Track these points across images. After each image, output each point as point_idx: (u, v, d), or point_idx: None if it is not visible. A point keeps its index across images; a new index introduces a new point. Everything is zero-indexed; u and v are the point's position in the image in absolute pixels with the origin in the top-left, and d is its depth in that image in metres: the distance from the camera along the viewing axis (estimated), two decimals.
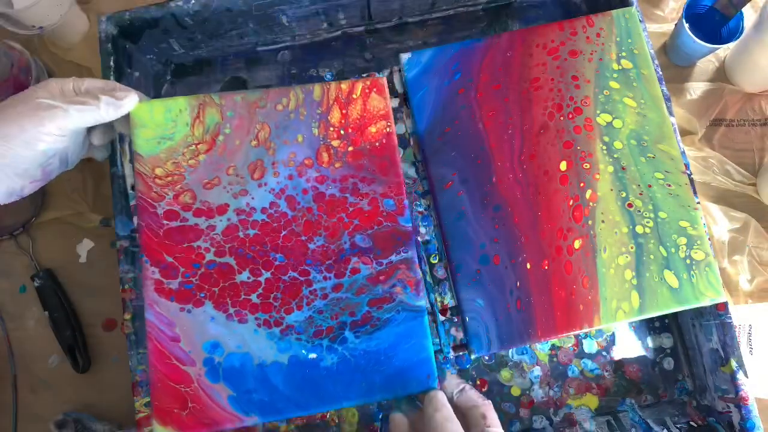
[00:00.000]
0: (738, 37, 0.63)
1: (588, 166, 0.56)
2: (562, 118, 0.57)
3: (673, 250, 0.54)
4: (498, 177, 0.56)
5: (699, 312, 0.57)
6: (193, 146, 0.47)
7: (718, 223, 0.64)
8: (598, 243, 0.54)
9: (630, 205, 0.55)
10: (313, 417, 0.57)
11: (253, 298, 0.46)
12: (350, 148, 0.50)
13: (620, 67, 0.58)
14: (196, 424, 0.42)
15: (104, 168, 0.62)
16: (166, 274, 0.45)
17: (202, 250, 0.46)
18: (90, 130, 0.47)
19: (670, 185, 0.55)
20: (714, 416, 0.54)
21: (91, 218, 0.62)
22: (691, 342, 0.59)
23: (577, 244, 0.54)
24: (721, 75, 0.68)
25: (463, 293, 0.52)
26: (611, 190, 0.55)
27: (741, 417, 0.51)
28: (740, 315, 0.58)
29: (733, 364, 0.52)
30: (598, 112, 0.57)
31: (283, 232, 0.47)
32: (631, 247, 0.54)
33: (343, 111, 0.51)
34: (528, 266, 0.53)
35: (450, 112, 0.57)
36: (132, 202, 0.48)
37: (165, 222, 0.46)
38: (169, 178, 0.47)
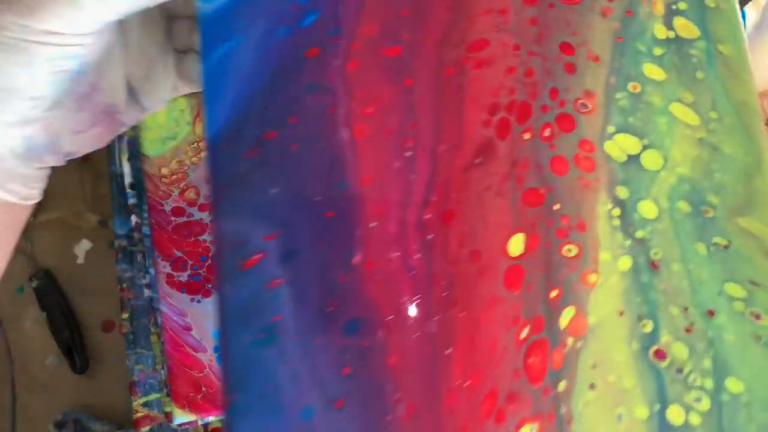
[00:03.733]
0: None
1: (573, 252, 0.24)
2: (527, 135, 0.25)
3: None
4: (366, 254, 0.24)
5: None
6: (196, 144, 0.49)
7: None
8: None
9: (661, 355, 0.24)
10: None
11: None
12: None
13: (671, 34, 0.26)
14: (209, 406, 0.45)
15: (102, 167, 0.61)
16: (177, 268, 0.47)
17: (208, 243, 0.46)
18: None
19: (758, 316, 0.24)
20: None
21: (89, 218, 0.62)
22: None
23: None
24: None
25: None
26: (620, 313, 0.24)
27: None
28: None
29: None
30: (610, 129, 0.25)
31: None
32: None
33: None
34: None
35: (282, 97, 0.26)
36: (130, 201, 0.50)
37: (173, 218, 0.48)
38: (175, 177, 0.49)
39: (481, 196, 0.25)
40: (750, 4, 0.62)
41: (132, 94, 0.33)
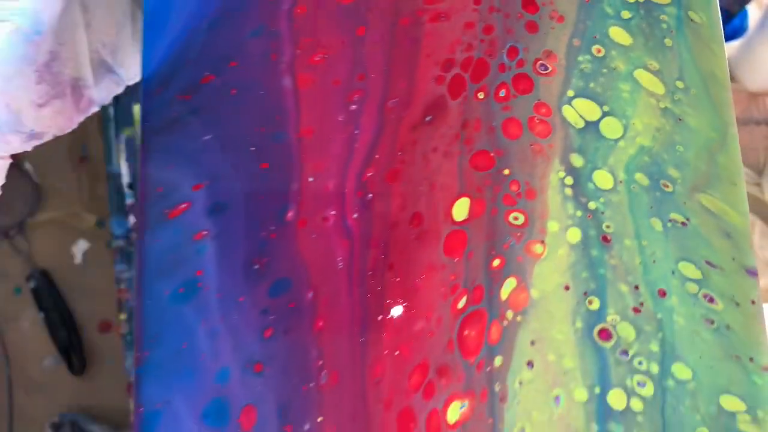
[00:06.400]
0: (742, 35, 0.62)
1: (520, 220, 0.23)
2: (481, 95, 0.24)
3: None
4: (301, 211, 0.23)
5: None
6: None
7: None
8: (508, 417, 0.21)
9: (606, 335, 0.22)
10: None
11: None
12: None
13: None
14: None
15: (100, 167, 0.61)
16: None
17: None
18: None
19: (712, 299, 0.22)
20: None
21: (87, 219, 0.61)
22: None
23: (455, 410, 0.21)
24: None
25: None
26: (565, 288, 0.22)
27: None
28: None
29: None
30: (569, 93, 0.24)
31: None
32: None
33: None
34: None
35: (223, 39, 0.24)
36: (128, 201, 0.50)
37: None
38: None
39: (427, 156, 0.23)
40: (752, 2, 0.62)
41: (103, 65, 0.31)
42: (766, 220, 0.65)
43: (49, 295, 0.60)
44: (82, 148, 0.67)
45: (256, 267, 0.23)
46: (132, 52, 0.31)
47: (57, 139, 0.33)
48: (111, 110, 0.57)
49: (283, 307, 0.22)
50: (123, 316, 0.54)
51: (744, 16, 0.63)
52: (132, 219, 0.51)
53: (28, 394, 0.60)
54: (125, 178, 0.52)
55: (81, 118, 0.31)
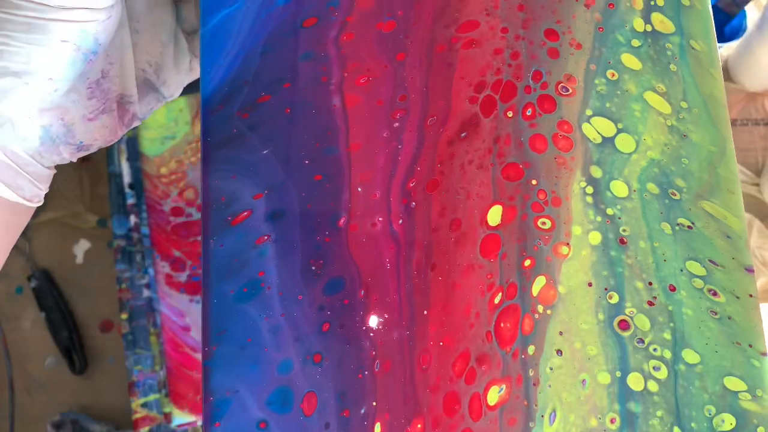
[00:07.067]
0: (741, 36, 0.62)
1: (547, 225, 0.25)
2: (510, 113, 0.26)
3: None
4: (351, 217, 0.25)
5: None
6: (194, 144, 0.50)
7: None
8: (541, 399, 0.24)
9: (624, 325, 0.25)
10: None
11: None
12: None
13: (648, 28, 0.27)
14: None
15: (101, 167, 0.61)
16: (176, 268, 0.49)
17: None
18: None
19: (715, 293, 0.25)
20: None
21: (88, 218, 0.61)
22: None
23: (494, 394, 0.24)
24: (724, 74, 0.72)
25: None
26: (588, 285, 0.25)
27: None
28: None
29: None
30: (588, 112, 0.27)
31: None
32: (612, 420, 0.24)
33: None
34: None
35: (277, 63, 0.26)
36: (129, 201, 0.52)
37: (172, 218, 0.49)
38: (174, 176, 0.50)
39: (463, 168, 0.26)
40: (751, 3, 0.63)
41: (147, 83, 0.33)
42: (765, 220, 0.65)
43: (50, 295, 0.60)
44: None
45: (313, 268, 0.25)
46: (173, 71, 0.34)
47: None
48: None
49: (338, 304, 0.25)
50: (124, 316, 0.54)
51: (742, 16, 0.63)
52: (133, 219, 0.52)
53: (29, 393, 0.60)
54: (126, 178, 0.53)
55: (124, 131, 0.33)
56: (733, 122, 0.68)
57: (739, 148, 0.66)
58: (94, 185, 0.64)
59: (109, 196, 0.58)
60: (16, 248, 0.63)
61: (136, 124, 0.34)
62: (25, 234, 0.63)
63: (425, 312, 0.25)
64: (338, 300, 0.25)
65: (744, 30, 0.63)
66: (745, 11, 0.63)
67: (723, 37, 0.65)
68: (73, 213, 0.63)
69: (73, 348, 0.59)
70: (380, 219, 0.25)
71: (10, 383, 0.59)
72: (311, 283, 0.25)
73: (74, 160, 0.31)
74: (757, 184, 0.66)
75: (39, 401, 0.60)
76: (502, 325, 0.25)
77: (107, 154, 0.60)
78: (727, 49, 0.69)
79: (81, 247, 0.63)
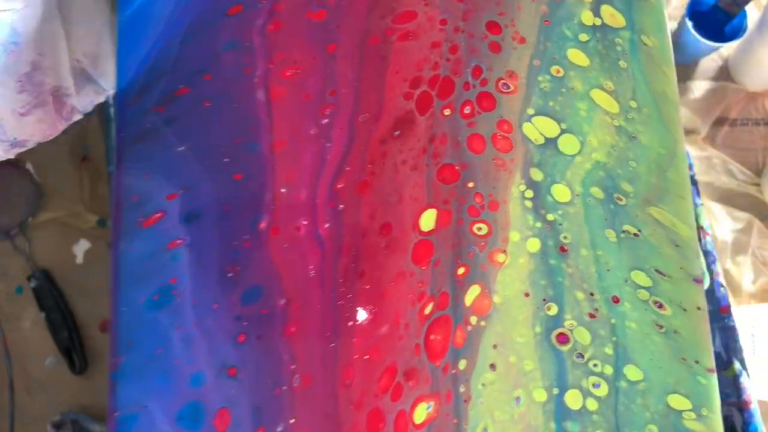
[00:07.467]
0: (741, 36, 0.62)
1: (484, 230, 0.24)
2: (447, 111, 0.25)
3: None
4: (273, 220, 0.23)
5: None
6: None
7: (721, 223, 0.63)
8: (472, 417, 0.22)
9: (563, 339, 0.23)
10: None
11: None
12: None
13: (598, 22, 0.26)
14: None
15: (101, 167, 0.61)
16: None
17: None
18: None
19: (661, 305, 0.24)
20: None
21: (88, 218, 0.61)
22: None
23: (422, 411, 0.22)
24: (725, 73, 0.68)
25: None
26: (525, 295, 0.23)
27: (743, 421, 0.45)
28: (743, 316, 0.56)
29: (736, 367, 0.46)
30: (530, 111, 0.25)
31: None
32: None
33: None
34: None
35: (197, 53, 0.25)
36: None
37: None
38: None
39: (396, 168, 0.24)
40: (751, 3, 0.62)
41: (84, 74, 0.31)
42: (765, 220, 0.64)
43: (50, 295, 0.60)
44: (83, 148, 0.66)
45: (230, 275, 0.23)
46: (111, 62, 0.32)
47: (58, 140, 0.33)
48: (111, 111, 0.57)
49: (255, 314, 0.23)
50: None
51: (743, 16, 0.63)
52: None
53: (29, 393, 0.60)
54: None
55: (64, 126, 0.31)
56: (734, 122, 0.67)
57: (740, 148, 0.67)
58: (94, 185, 0.63)
59: (109, 196, 0.58)
60: (16, 248, 0.63)
61: (77, 117, 0.32)
62: (25, 234, 0.63)
63: (351, 323, 0.23)
64: (256, 309, 0.23)
65: (744, 30, 0.63)
66: (745, 11, 0.63)
67: (723, 37, 0.65)
68: (73, 213, 0.63)
69: (73, 348, 0.59)
70: (305, 222, 0.24)
71: (10, 383, 0.59)
72: (227, 291, 0.23)
73: (11, 156, 0.29)
74: (758, 184, 0.66)
75: (39, 401, 0.59)
76: (432, 337, 0.23)
77: (107, 154, 0.58)
78: (727, 49, 0.69)
79: (81, 247, 0.62)
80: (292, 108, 0.25)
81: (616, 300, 0.24)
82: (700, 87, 0.68)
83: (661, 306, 0.24)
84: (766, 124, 0.67)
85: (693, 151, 0.65)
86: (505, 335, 0.23)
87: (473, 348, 0.23)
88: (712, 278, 0.48)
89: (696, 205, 0.47)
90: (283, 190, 0.24)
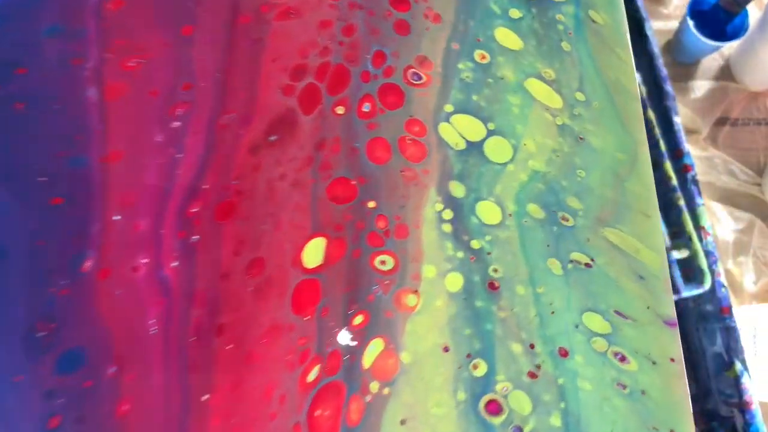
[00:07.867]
0: (743, 35, 0.62)
1: (389, 265, 0.18)
2: (341, 109, 0.19)
3: None
4: (102, 259, 0.17)
5: (702, 316, 0.48)
6: None
7: (722, 223, 0.63)
8: None
9: (495, 408, 0.17)
10: None
11: None
12: None
13: None
14: None
15: None
16: None
17: None
18: None
19: (623, 358, 0.18)
20: (717, 421, 0.47)
21: None
22: (694, 346, 0.51)
23: None
24: (726, 73, 0.68)
25: None
26: (444, 349, 0.17)
27: (744, 421, 0.44)
28: (745, 316, 0.57)
29: (737, 368, 0.45)
30: (448, 108, 0.19)
31: None
32: None
33: None
34: None
35: (9, 41, 0.18)
36: None
37: None
38: None
39: (272, 185, 0.18)
40: (753, 2, 0.63)
41: None
42: (767, 221, 0.65)
43: None
44: None
45: (41, 334, 0.17)
46: None
47: None
48: None
49: (75, 388, 0.17)
50: None
51: (744, 15, 0.64)
52: None
53: None
54: None
55: None
56: (735, 122, 0.67)
57: (741, 148, 0.67)
58: None
59: None
60: None
61: None
62: None
63: (205, 397, 0.17)
64: (76, 381, 0.17)
65: (746, 29, 0.63)
66: (746, 10, 0.63)
67: (725, 37, 0.65)
68: None
69: None
70: (145, 261, 0.17)
71: None
72: (36, 358, 0.17)
73: None
74: (759, 184, 0.66)
75: None
76: (317, 413, 0.17)
77: None
78: (728, 49, 0.69)
79: None
80: (134, 109, 0.19)
81: (564, 353, 0.18)
82: (701, 87, 0.68)
83: (623, 358, 0.18)
84: (767, 123, 0.68)
85: (694, 151, 0.64)
86: (417, 406, 0.17)
87: (373, 425, 0.17)
88: (713, 279, 0.47)
89: (697, 205, 0.46)
90: (116, 218, 0.18)
